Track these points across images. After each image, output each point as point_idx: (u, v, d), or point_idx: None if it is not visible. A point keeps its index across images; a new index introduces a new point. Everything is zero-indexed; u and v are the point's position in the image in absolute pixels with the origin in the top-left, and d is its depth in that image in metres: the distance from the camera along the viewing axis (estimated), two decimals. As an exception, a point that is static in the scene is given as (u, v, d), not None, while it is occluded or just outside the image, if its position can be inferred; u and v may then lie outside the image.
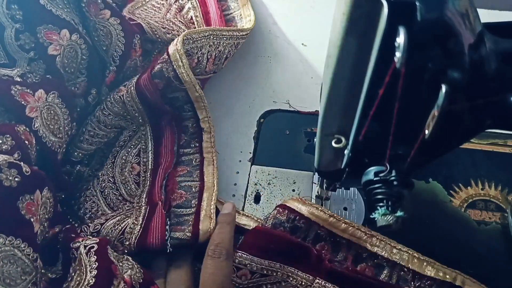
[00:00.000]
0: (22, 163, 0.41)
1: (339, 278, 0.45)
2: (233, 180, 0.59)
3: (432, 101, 0.28)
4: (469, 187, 0.57)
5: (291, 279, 0.46)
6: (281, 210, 0.49)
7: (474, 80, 0.30)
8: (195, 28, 0.69)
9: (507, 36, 0.33)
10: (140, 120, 0.59)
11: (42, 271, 0.41)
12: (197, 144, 0.57)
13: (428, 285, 0.44)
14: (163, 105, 0.57)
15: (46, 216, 0.44)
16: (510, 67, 0.32)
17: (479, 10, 0.31)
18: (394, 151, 0.34)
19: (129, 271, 0.43)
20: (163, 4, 0.71)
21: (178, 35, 0.65)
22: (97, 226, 0.50)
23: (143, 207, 0.51)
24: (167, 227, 0.48)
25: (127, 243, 0.47)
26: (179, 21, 0.68)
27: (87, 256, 0.42)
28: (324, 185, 0.50)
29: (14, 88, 0.47)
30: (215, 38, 0.60)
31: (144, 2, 0.71)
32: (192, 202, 0.52)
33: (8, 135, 0.43)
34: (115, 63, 0.59)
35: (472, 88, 0.31)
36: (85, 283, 0.39)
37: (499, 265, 0.51)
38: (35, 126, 0.47)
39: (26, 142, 0.45)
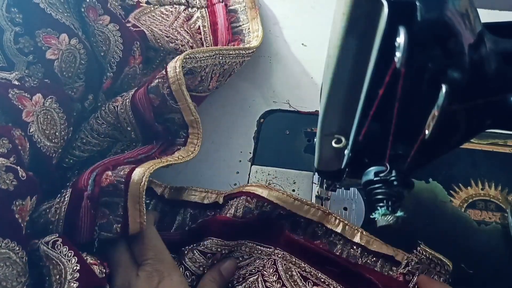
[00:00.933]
0: (18, 167, 0.41)
1: (297, 249, 0.49)
2: (233, 180, 0.59)
3: (432, 101, 0.28)
4: (469, 187, 0.57)
5: (254, 251, 0.50)
6: (249, 199, 0.49)
7: (474, 80, 0.30)
8: (201, 38, 0.68)
9: (507, 36, 0.33)
10: (133, 136, 0.57)
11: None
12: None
13: (373, 261, 0.48)
14: (154, 123, 0.55)
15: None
16: (510, 67, 0.32)
17: (479, 10, 0.31)
18: (394, 151, 0.34)
19: (89, 258, 0.42)
20: (171, 11, 0.71)
21: (182, 45, 0.65)
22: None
23: (68, 192, 0.46)
24: (96, 227, 0.45)
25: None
26: (185, 30, 0.68)
27: (55, 249, 0.41)
28: (324, 185, 0.50)
29: (11, 92, 0.46)
30: (221, 57, 0.59)
31: (152, 9, 0.70)
32: (120, 186, 0.46)
33: (5, 138, 0.42)
34: (112, 70, 0.59)
35: (472, 88, 0.31)
36: (70, 271, 0.39)
37: (499, 265, 0.51)
38: (30, 131, 0.47)
39: (20, 147, 0.44)
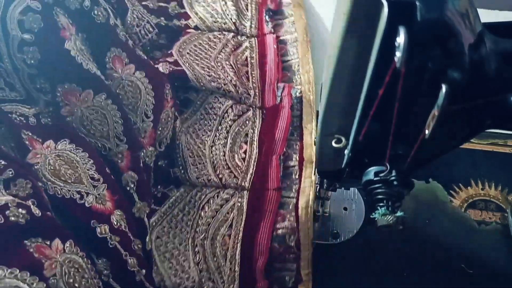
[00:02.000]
0: (32, 205, 0.41)
1: None
2: (233, 180, 0.59)
3: (432, 101, 0.28)
4: (469, 187, 0.57)
5: None
6: None
7: (474, 80, 0.30)
8: (247, 71, 0.65)
9: (507, 36, 0.33)
10: None
11: None
12: None
13: None
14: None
15: (83, 282, 0.41)
16: (510, 67, 0.32)
17: (479, 10, 0.31)
18: (394, 151, 0.34)
19: None
20: (220, 38, 0.67)
21: (224, 84, 0.62)
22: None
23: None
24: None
25: None
26: (230, 65, 0.64)
27: None
28: (324, 185, 0.50)
29: (24, 132, 0.47)
30: None
31: (200, 35, 0.67)
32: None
33: (28, 181, 0.42)
34: (149, 118, 0.55)
35: (472, 88, 0.31)
36: None
37: (499, 265, 0.51)
38: (35, 167, 0.46)
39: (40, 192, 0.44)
